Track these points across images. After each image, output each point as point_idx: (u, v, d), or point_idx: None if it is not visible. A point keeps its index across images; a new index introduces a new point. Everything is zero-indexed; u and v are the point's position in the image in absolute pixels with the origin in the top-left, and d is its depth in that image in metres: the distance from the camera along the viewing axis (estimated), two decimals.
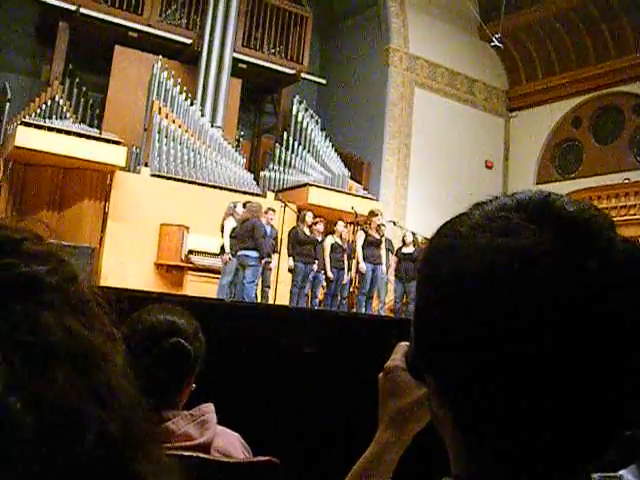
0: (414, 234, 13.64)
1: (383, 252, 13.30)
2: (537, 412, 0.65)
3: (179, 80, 16.83)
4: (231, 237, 12.06)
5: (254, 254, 11.71)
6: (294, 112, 18.84)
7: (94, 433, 0.50)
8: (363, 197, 17.31)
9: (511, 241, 0.67)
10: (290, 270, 12.68)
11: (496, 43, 17.60)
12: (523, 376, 0.65)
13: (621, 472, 1.03)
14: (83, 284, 0.59)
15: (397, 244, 13.80)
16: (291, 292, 12.61)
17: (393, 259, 13.51)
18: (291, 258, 12.63)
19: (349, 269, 13.40)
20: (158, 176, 15.08)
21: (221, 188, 15.52)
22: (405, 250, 13.39)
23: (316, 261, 12.80)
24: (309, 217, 13.01)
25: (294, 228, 12.95)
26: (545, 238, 0.66)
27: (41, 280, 0.54)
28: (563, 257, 0.65)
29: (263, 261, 11.88)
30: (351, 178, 17.91)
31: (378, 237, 13.18)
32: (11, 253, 0.55)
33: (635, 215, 15.05)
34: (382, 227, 13.34)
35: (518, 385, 0.65)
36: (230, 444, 2.15)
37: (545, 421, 0.65)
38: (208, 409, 2.11)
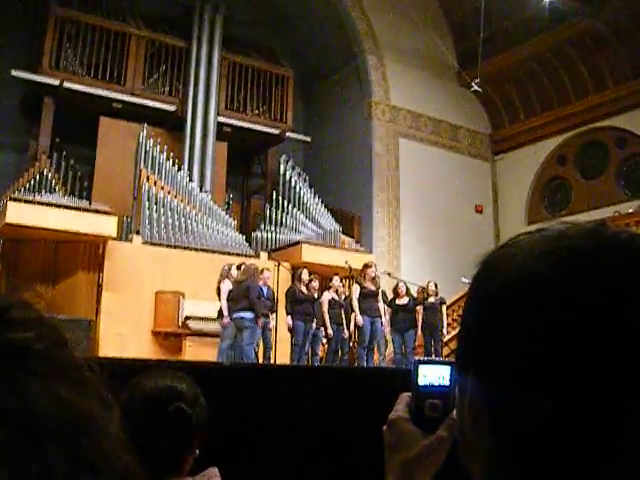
0: (406, 284, 13.57)
1: (381, 304, 13.16)
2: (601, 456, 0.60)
3: (165, 147, 16.99)
4: (228, 300, 12.00)
5: (250, 315, 11.64)
6: (282, 171, 18.97)
7: None
8: (356, 251, 17.32)
9: (569, 242, 0.66)
10: (290, 330, 12.57)
11: (475, 88, 17.79)
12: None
13: None
14: (74, 350, 0.58)
15: (390, 295, 13.67)
16: (292, 351, 12.48)
17: (388, 310, 13.38)
18: (290, 317, 12.52)
19: (347, 324, 13.29)
20: (150, 243, 15.11)
21: (214, 252, 15.52)
22: (399, 301, 13.30)
23: (314, 319, 12.71)
24: (305, 275, 12.91)
25: (291, 287, 12.88)
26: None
27: (28, 347, 0.53)
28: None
29: (260, 321, 11.79)
30: (343, 233, 17.94)
31: (374, 289, 13.06)
32: None
33: None
34: (377, 278, 13.27)
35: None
36: None
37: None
38: (213, 473, 2.07)
